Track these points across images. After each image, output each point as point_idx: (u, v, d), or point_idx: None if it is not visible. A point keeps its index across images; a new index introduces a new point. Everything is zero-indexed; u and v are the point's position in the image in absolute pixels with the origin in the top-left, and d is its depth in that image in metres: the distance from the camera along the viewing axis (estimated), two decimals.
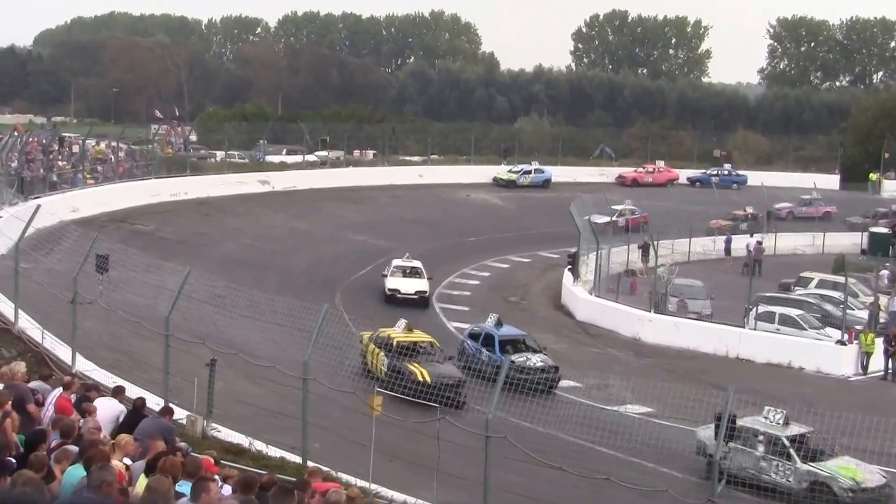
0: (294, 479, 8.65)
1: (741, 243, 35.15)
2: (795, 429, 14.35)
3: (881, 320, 24.96)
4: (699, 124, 73.20)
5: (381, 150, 48.61)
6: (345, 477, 11.19)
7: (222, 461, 10.00)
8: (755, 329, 23.69)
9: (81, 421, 8.86)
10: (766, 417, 14.32)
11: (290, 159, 43.72)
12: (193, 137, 47.69)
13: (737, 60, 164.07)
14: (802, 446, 14.06)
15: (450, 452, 11.43)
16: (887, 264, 31.23)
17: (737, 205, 40.47)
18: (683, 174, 50.25)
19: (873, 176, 49.92)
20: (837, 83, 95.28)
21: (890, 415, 12.44)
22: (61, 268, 15.54)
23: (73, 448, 7.22)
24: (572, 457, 13.40)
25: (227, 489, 7.64)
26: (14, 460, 6.49)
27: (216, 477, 7.30)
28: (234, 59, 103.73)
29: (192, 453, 8.92)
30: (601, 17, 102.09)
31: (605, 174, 49.41)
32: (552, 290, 29.49)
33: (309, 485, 8.08)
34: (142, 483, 6.53)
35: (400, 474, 12.26)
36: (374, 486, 11.12)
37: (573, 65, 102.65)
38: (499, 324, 20.32)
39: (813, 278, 29.12)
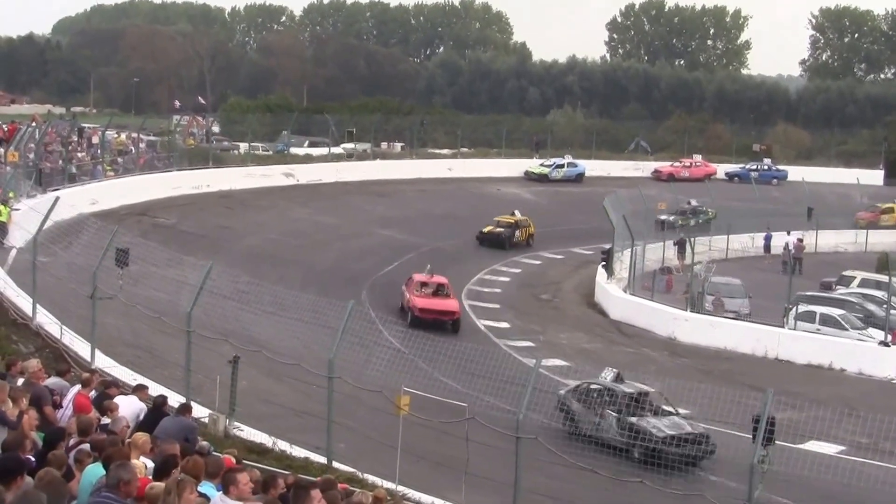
0: (315, 480, 8.52)
1: (781, 240, 34.46)
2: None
3: None
4: (738, 117, 72.21)
5: (409, 143, 48.33)
6: (371, 478, 11.09)
7: (245, 461, 9.89)
8: (795, 329, 23.23)
9: (103, 419, 8.82)
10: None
11: (316, 151, 43.55)
12: (216, 129, 47.77)
13: (777, 52, 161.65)
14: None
15: (479, 454, 11.29)
16: None
17: (777, 201, 39.61)
18: (721, 169, 49.68)
19: None
20: (882, 75, 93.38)
21: None
22: (80, 262, 15.47)
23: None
24: (605, 459, 13.16)
25: None
26: (33, 458, 6.52)
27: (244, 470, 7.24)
28: (257, 49, 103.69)
29: (214, 452, 8.83)
30: (637, 6, 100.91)
31: (640, 168, 48.91)
32: (585, 288, 29.11)
33: (334, 485, 8.01)
34: (154, 486, 6.39)
35: (427, 476, 12.10)
36: (400, 488, 10.99)
37: (608, 56, 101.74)
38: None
39: (855, 277, 28.63)
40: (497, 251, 32.27)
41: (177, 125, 40.75)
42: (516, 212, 34.34)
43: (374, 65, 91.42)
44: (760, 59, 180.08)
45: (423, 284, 23.28)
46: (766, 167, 49.78)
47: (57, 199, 17.19)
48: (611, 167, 48.03)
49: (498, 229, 32.78)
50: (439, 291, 23.20)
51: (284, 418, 13.54)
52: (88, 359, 13.80)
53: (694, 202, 36.34)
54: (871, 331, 23.12)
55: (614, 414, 14.57)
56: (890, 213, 35.23)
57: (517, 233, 33.06)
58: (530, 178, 45.32)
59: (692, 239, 28.30)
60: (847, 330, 23.05)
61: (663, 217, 32.85)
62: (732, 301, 25.62)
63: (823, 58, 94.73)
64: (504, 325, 24.26)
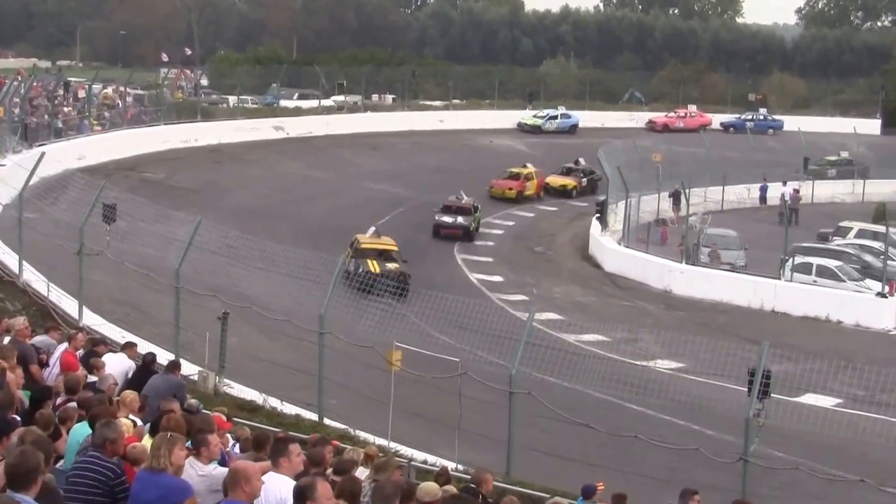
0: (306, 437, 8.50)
1: (777, 191, 34.22)
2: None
3: None
4: (733, 67, 71.36)
5: (400, 95, 47.67)
6: (363, 435, 11.17)
7: (235, 418, 9.87)
8: (791, 281, 23.11)
9: (91, 377, 8.76)
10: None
11: (306, 104, 42.89)
12: (204, 82, 47.06)
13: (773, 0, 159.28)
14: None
15: (472, 409, 11.27)
16: None
17: (773, 151, 39.27)
18: (716, 119, 49.35)
19: None
20: (879, 23, 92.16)
21: None
22: (67, 218, 15.57)
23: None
24: (600, 414, 13.23)
25: (237, 449, 7.78)
26: (18, 417, 6.45)
27: (215, 430, 7.13)
28: (246, 0, 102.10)
29: (204, 410, 8.79)
30: None
31: (634, 119, 48.50)
32: (579, 240, 28.97)
33: (328, 441, 8.03)
34: (146, 443, 6.37)
35: (420, 432, 12.13)
36: (393, 445, 11.01)
37: (601, 5, 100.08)
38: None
39: (852, 228, 28.50)
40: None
41: (164, 78, 39.95)
42: (374, 229, 24.96)
43: (364, 16, 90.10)
44: (756, 7, 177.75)
45: None
46: (761, 117, 49.32)
47: (43, 154, 17.18)
48: (605, 118, 47.64)
49: (390, 266, 21.25)
50: None
51: (275, 375, 13.52)
52: (76, 316, 13.82)
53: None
54: (869, 282, 23.02)
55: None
56: (529, 179, 33.44)
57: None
58: (523, 129, 44.94)
59: (687, 190, 28.01)
60: (844, 281, 22.95)
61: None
62: (728, 253, 25.49)
63: (820, 5, 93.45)
64: (497, 278, 24.12)
